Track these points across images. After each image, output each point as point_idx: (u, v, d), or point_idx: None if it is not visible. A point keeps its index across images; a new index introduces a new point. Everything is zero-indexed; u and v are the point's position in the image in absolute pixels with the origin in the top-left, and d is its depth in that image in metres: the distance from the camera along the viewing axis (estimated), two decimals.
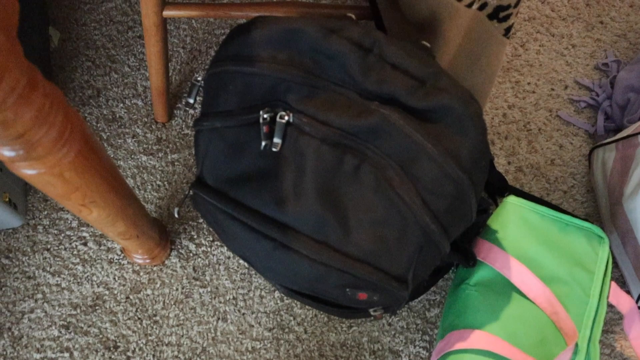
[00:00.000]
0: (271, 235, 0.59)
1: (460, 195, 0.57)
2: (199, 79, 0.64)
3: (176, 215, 0.67)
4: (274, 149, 0.59)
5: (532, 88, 1.02)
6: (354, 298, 0.61)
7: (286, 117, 0.58)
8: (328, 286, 0.60)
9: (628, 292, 0.88)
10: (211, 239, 0.90)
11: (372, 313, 0.65)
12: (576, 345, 0.69)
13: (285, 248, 0.59)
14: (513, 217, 0.74)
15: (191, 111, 0.98)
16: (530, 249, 0.72)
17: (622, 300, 0.74)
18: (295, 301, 0.86)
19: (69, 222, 0.90)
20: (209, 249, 0.89)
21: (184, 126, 0.97)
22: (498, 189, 0.88)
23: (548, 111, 1.00)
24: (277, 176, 0.59)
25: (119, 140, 0.95)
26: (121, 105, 0.98)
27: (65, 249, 0.88)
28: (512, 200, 0.75)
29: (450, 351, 0.70)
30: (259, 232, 0.59)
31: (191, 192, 0.64)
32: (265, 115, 0.58)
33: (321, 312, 0.86)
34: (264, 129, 0.58)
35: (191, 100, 0.64)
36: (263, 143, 0.59)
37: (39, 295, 0.85)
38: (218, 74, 0.60)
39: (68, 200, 0.59)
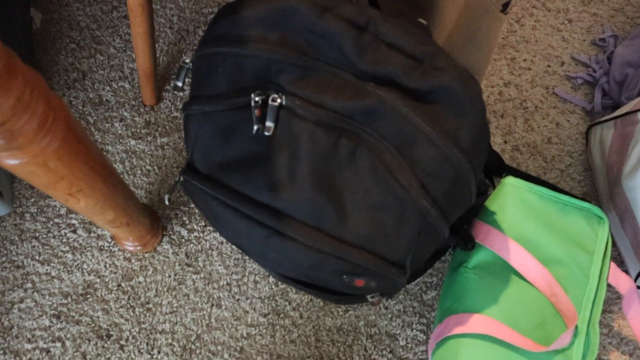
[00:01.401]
0: (265, 222, 0.57)
1: (460, 179, 0.55)
2: (187, 61, 0.61)
3: (167, 203, 0.65)
4: (266, 133, 0.57)
5: (528, 65, 1.01)
6: (351, 285, 0.60)
7: (279, 100, 0.56)
8: (324, 273, 0.59)
9: (626, 271, 0.87)
10: (203, 224, 0.88)
11: (369, 299, 0.64)
12: (576, 327, 0.68)
13: (280, 235, 0.57)
14: (511, 199, 0.72)
15: (180, 93, 0.96)
16: (529, 230, 0.71)
17: (621, 281, 0.73)
18: (291, 286, 0.85)
19: (57, 209, 0.88)
20: (201, 234, 0.87)
21: (173, 109, 0.94)
22: (495, 168, 0.86)
23: (544, 88, 0.98)
24: (270, 161, 0.57)
25: (107, 125, 0.93)
26: (108, 88, 0.95)
27: (54, 236, 0.86)
28: (510, 181, 0.73)
29: (448, 336, 0.69)
30: (252, 220, 0.58)
31: (182, 179, 0.62)
32: (257, 98, 0.56)
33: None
34: (256, 112, 0.56)
35: (179, 84, 0.62)
36: (255, 127, 0.56)
37: (29, 285, 0.83)
38: (207, 56, 0.58)
39: (54, 190, 0.57)
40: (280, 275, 0.66)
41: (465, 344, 0.67)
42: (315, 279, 0.61)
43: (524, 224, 0.71)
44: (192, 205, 0.89)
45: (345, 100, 0.54)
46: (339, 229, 0.56)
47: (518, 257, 0.69)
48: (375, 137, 0.55)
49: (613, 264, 0.73)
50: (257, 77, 0.57)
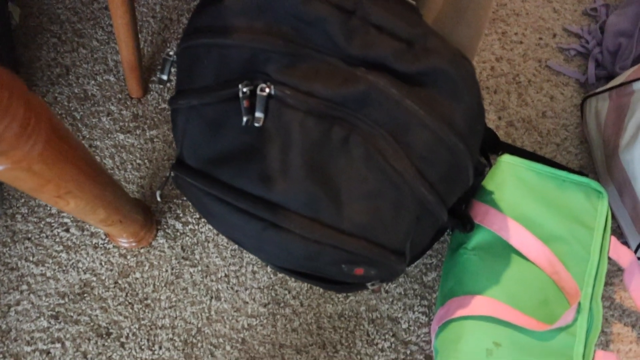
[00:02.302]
0: (260, 215, 0.56)
1: (456, 162, 0.54)
2: (171, 53, 0.60)
3: (158, 199, 0.64)
4: (256, 124, 0.55)
5: (519, 38, 0.99)
6: (350, 274, 0.59)
7: (267, 90, 0.54)
8: (322, 263, 0.58)
9: (625, 242, 0.87)
10: (198, 216, 0.87)
11: (369, 287, 0.63)
12: (579, 303, 0.67)
13: (275, 228, 0.56)
14: (509, 177, 0.71)
15: (168, 84, 0.94)
16: (528, 208, 0.70)
17: (622, 255, 0.72)
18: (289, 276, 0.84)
19: (49, 208, 0.86)
20: (196, 227, 0.86)
21: (160, 100, 0.93)
22: (490, 146, 0.85)
23: (537, 61, 0.97)
24: (262, 153, 0.55)
25: (94, 120, 0.91)
26: (93, 82, 0.93)
27: (47, 236, 0.85)
28: (506, 159, 0.72)
29: (451, 318, 0.68)
30: (247, 213, 0.56)
31: (172, 175, 0.61)
32: (244, 89, 0.54)
33: None
34: (244, 103, 0.54)
35: (164, 77, 0.60)
36: (244, 118, 0.55)
37: (24, 287, 0.82)
38: (191, 48, 0.56)
39: (41, 194, 0.55)
40: (278, 267, 0.65)
41: (468, 327, 0.66)
42: (313, 269, 0.60)
43: (523, 202, 0.70)
44: (186, 198, 0.87)
45: (335, 88, 0.53)
46: (336, 219, 0.55)
47: (518, 236, 0.68)
48: (368, 124, 0.54)
49: (613, 238, 0.73)
50: (243, 67, 0.55)
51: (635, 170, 0.74)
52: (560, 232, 0.69)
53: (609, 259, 0.85)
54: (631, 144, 0.74)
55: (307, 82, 0.54)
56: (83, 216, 0.66)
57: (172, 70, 0.92)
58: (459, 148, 0.53)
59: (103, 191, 0.65)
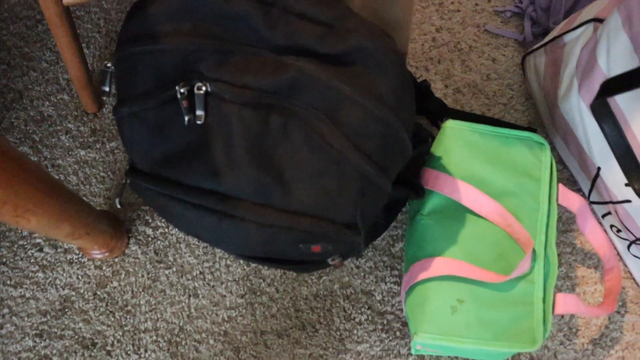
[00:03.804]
0: (214, 207, 0.58)
1: (390, 133, 0.56)
2: (109, 64, 0.62)
3: (118, 206, 0.66)
4: (198, 122, 0.57)
5: (456, 7, 1.01)
6: (309, 252, 0.61)
7: (204, 88, 0.56)
8: (281, 246, 0.60)
9: (579, 190, 0.90)
10: None
11: (330, 262, 0.66)
12: (534, 251, 0.70)
13: (230, 218, 0.58)
14: (454, 141, 0.74)
15: (112, 96, 0.95)
16: (476, 168, 0.73)
17: (571, 200, 0.76)
18: (257, 264, 0.87)
19: (19, 231, 0.88)
20: (166, 230, 0.88)
21: None
22: (439, 114, 0.88)
23: (476, 27, 1.00)
24: (207, 148, 0.58)
25: (53, 139, 0.93)
26: (47, 103, 0.95)
27: (21, 259, 0.87)
28: (450, 124, 0.75)
29: (415, 283, 0.71)
30: (201, 208, 0.59)
31: (128, 181, 0.63)
32: (182, 90, 0.56)
33: None
34: (184, 103, 0.57)
35: (106, 89, 0.62)
36: (186, 118, 0.57)
37: (5, 310, 0.84)
38: (125, 57, 0.58)
39: (0, 215, 0.57)
40: (243, 256, 0.68)
41: (431, 288, 0.69)
42: (274, 253, 0.63)
43: (470, 163, 0.73)
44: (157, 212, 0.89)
45: (266, 77, 0.55)
46: (285, 202, 0.58)
47: (469, 196, 0.71)
48: (303, 108, 0.56)
49: (561, 186, 0.76)
50: (178, 69, 0.57)
51: (574, 117, 0.77)
52: (508, 186, 0.72)
53: (561, 206, 0.88)
54: (568, 93, 0.77)
55: (240, 76, 0.56)
56: (48, 232, 0.68)
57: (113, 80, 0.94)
58: (391, 119, 0.55)
59: (64, 206, 0.67)
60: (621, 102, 0.68)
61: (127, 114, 0.59)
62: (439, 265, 0.69)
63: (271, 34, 0.55)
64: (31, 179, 0.58)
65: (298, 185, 0.57)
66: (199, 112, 0.57)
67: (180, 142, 0.58)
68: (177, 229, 0.88)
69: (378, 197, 0.60)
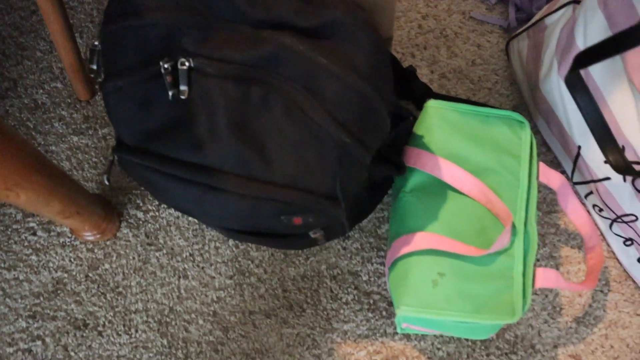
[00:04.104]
0: (197, 180, 0.60)
1: (366, 104, 0.58)
2: (96, 43, 0.63)
3: (106, 182, 0.68)
4: (182, 97, 0.59)
5: None
6: (290, 224, 0.63)
7: (187, 63, 0.58)
8: (263, 218, 0.62)
9: (563, 172, 0.91)
10: (157, 203, 0.90)
11: (312, 236, 0.67)
12: (514, 226, 0.72)
13: (213, 190, 0.60)
14: (436, 120, 0.76)
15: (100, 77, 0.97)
16: (457, 146, 0.74)
17: (551, 178, 0.77)
18: (251, 244, 0.88)
19: (13, 215, 0.90)
20: (157, 213, 0.90)
21: None
22: (424, 99, 0.90)
23: (461, 14, 1.01)
24: (190, 122, 0.59)
25: (46, 126, 0.94)
26: (41, 91, 0.97)
27: (15, 242, 0.88)
28: (432, 104, 0.77)
29: (397, 258, 0.72)
30: (185, 180, 0.60)
31: (115, 157, 0.65)
32: (166, 65, 0.58)
33: (277, 251, 0.88)
34: (168, 78, 0.58)
35: (94, 67, 0.64)
36: (170, 93, 0.59)
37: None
38: (110, 34, 0.60)
39: None
40: (226, 229, 0.69)
41: (413, 262, 0.71)
42: (257, 226, 0.65)
43: (451, 141, 0.75)
44: (143, 188, 0.91)
45: (247, 51, 0.57)
46: (267, 173, 0.59)
47: (450, 173, 0.72)
48: (282, 81, 0.58)
49: (542, 164, 0.77)
50: (161, 44, 0.59)
51: (554, 97, 0.79)
52: (489, 164, 0.74)
53: (542, 184, 0.89)
54: (548, 74, 0.79)
55: (222, 50, 0.58)
56: (38, 209, 0.69)
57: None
58: (366, 90, 0.57)
59: (55, 184, 0.69)
60: (597, 78, 0.70)
61: (113, 88, 0.61)
62: (421, 240, 0.70)
63: (251, 9, 0.57)
64: (20, 153, 0.60)
65: (278, 157, 0.59)
66: (183, 87, 0.59)
67: (164, 117, 0.60)
68: (171, 212, 0.90)
69: (356, 168, 0.62)
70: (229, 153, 0.58)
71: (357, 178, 0.63)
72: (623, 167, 0.66)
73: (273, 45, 0.56)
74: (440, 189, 0.74)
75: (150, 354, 0.83)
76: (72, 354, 0.83)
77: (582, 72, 0.72)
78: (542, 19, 0.83)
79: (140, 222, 0.90)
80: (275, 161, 0.59)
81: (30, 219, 0.90)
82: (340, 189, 0.62)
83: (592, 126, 0.63)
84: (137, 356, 0.83)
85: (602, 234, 0.88)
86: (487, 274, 0.70)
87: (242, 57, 0.57)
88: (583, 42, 0.70)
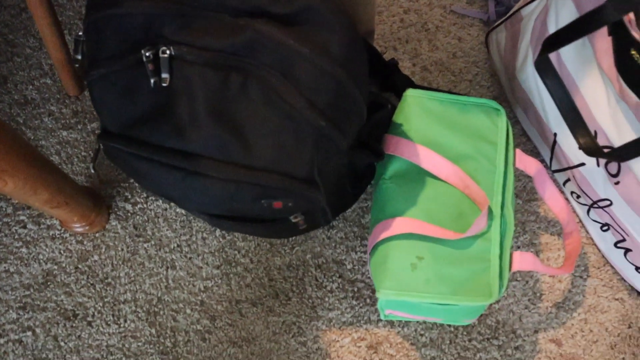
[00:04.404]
0: (178, 165, 0.62)
1: (341, 88, 0.60)
2: (80, 34, 0.65)
3: (92, 171, 0.70)
4: (164, 84, 0.61)
5: None
6: (271, 208, 0.65)
7: (168, 52, 0.60)
8: (243, 202, 0.64)
9: (542, 160, 0.93)
10: (145, 195, 0.92)
11: (292, 220, 0.69)
12: (490, 211, 0.74)
13: (194, 174, 0.62)
14: (414, 108, 0.77)
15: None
16: (435, 133, 0.76)
17: (528, 165, 0.79)
18: (237, 235, 0.90)
19: (4, 209, 0.91)
20: (145, 205, 0.92)
21: None
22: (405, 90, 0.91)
23: (442, 8, 1.04)
24: (172, 109, 0.61)
25: (36, 122, 0.96)
26: (31, 87, 0.98)
27: (5, 235, 0.90)
28: (410, 93, 0.78)
29: (377, 242, 0.74)
30: (166, 165, 0.62)
31: (101, 145, 0.66)
32: (147, 54, 0.60)
33: (263, 241, 0.89)
34: (149, 66, 0.60)
35: (78, 57, 0.66)
36: (152, 80, 0.61)
37: None
38: (92, 23, 0.62)
39: None
40: (209, 215, 0.71)
41: (392, 246, 0.72)
42: (238, 211, 0.66)
43: (429, 129, 0.76)
44: (132, 180, 0.93)
45: (225, 39, 0.59)
46: (246, 158, 0.61)
47: (428, 159, 0.74)
48: (260, 67, 0.60)
49: (518, 150, 0.79)
50: (143, 33, 0.61)
51: (530, 86, 0.81)
52: (466, 150, 0.76)
53: (520, 171, 0.91)
54: (524, 63, 0.81)
55: (201, 38, 0.59)
56: (26, 198, 0.71)
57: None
58: (340, 74, 0.59)
59: (42, 172, 0.70)
60: (569, 65, 0.72)
61: (97, 76, 0.62)
62: (400, 225, 0.72)
63: None
64: (7, 141, 0.62)
65: (257, 142, 0.60)
66: (164, 75, 0.60)
67: (147, 104, 0.62)
68: (159, 204, 0.91)
69: (334, 152, 0.63)
70: (209, 138, 0.60)
71: (335, 162, 0.65)
72: (593, 149, 0.68)
73: (250, 33, 0.58)
74: (419, 176, 0.76)
75: (139, 343, 0.85)
76: (62, 344, 0.85)
77: (555, 60, 0.74)
78: (518, 10, 0.85)
79: (129, 214, 0.91)
80: (254, 146, 0.61)
81: (20, 212, 0.91)
82: (318, 173, 0.63)
83: (562, 109, 0.65)
84: (126, 345, 0.85)
85: (580, 220, 0.90)
86: (464, 257, 0.72)
87: (221, 45, 0.59)
88: (555, 29, 0.73)
